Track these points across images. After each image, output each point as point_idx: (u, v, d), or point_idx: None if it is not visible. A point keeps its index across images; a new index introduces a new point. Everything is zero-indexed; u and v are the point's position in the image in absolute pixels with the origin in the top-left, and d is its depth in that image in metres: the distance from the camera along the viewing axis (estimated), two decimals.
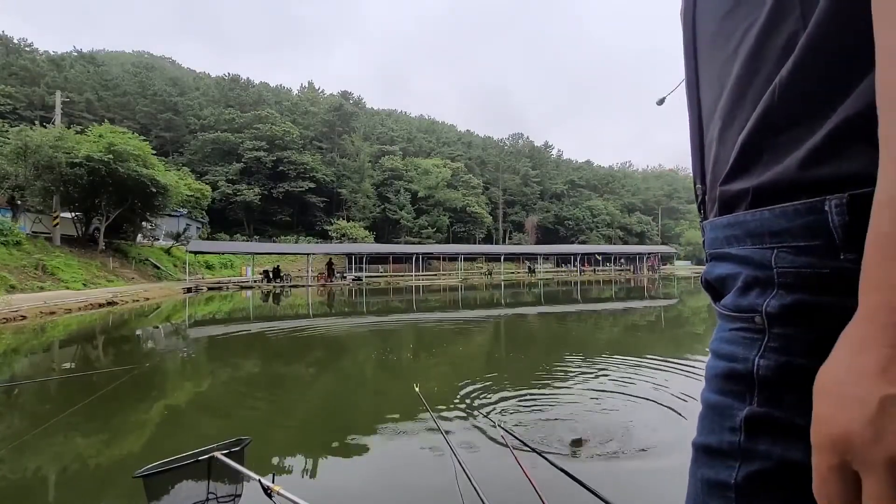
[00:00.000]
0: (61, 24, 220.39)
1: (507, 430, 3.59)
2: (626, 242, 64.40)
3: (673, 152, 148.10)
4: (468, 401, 4.60)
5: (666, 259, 54.99)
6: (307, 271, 31.82)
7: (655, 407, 4.45)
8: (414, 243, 47.70)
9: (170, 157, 46.35)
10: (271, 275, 28.66)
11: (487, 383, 5.32)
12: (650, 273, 45.47)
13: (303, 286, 27.57)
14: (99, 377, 5.84)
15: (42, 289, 14.99)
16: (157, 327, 11.37)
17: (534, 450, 3.08)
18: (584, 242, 60.20)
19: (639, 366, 6.31)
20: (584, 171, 78.84)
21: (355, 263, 37.95)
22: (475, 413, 4.21)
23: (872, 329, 0.30)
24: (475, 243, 55.21)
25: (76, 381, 5.75)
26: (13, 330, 9.85)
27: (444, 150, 69.10)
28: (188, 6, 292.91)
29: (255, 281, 28.35)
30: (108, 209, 22.68)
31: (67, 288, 15.99)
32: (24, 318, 11.01)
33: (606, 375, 5.75)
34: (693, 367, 6.18)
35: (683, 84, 0.60)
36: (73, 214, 23.03)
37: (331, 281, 30.59)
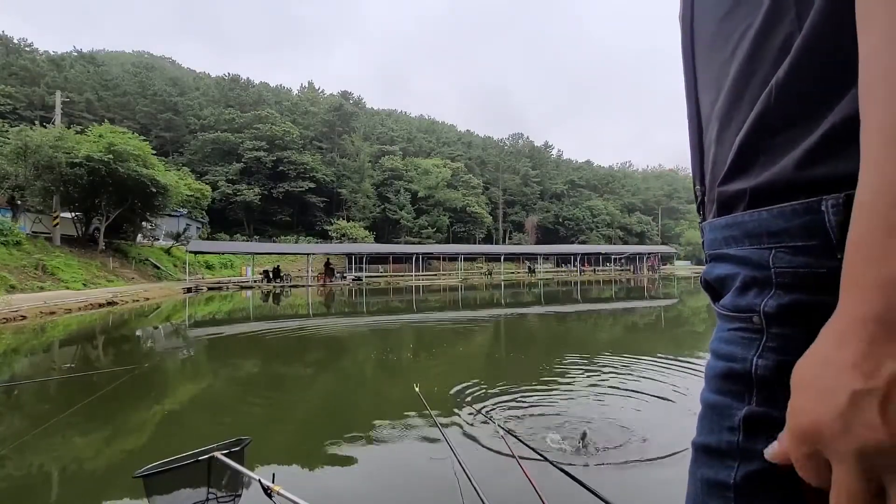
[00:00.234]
0: (61, 24, 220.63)
1: (507, 430, 3.59)
2: (626, 242, 64.38)
3: (673, 152, 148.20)
4: (468, 401, 4.60)
5: (666, 259, 54.99)
6: (307, 271, 31.83)
7: (656, 406, 4.45)
8: (414, 243, 47.70)
9: (170, 157, 46.34)
10: (271, 275, 28.66)
11: (488, 383, 5.32)
12: (650, 273, 45.46)
13: (303, 286, 27.57)
14: (99, 377, 5.84)
15: (42, 289, 14.99)
16: (157, 327, 11.37)
17: (534, 450, 3.08)
18: (584, 242, 60.19)
19: (639, 365, 6.31)
20: (584, 171, 78.84)
21: (355, 263, 37.95)
22: (475, 413, 4.21)
23: (849, 325, 0.30)
24: (475, 243, 55.21)
25: (76, 381, 5.75)
26: (13, 330, 9.85)
27: (444, 150, 69.10)
28: (188, 6, 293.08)
29: (255, 281, 28.35)
30: (108, 209, 22.68)
31: (67, 288, 15.99)
32: (24, 318, 11.01)
33: (607, 375, 5.75)
34: (694, 366, 6.18)
35: (681, 86, 0.60)
36: (73, 214, 23.04)
37: (330, 281, 30.59)
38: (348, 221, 47.67)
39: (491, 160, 69.30)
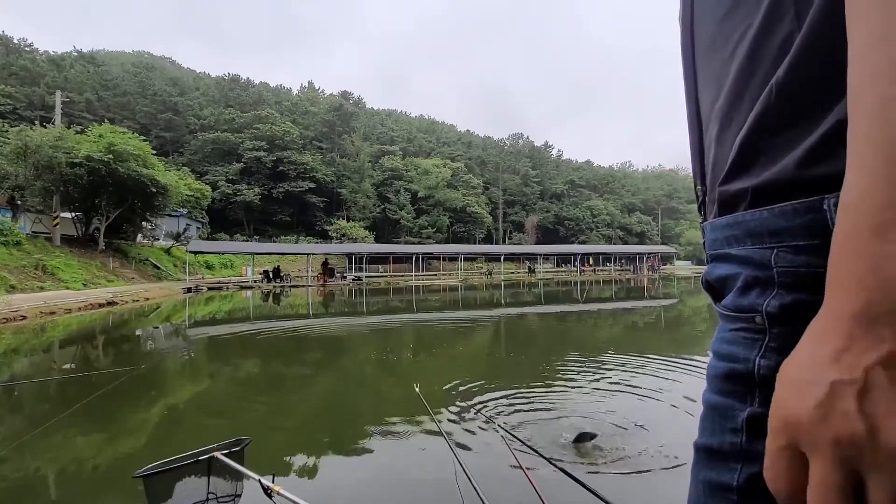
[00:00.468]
0: (61, 24, 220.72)
1: (507, 430, 3.59)
2: (626, 242, 64.41)
3: (673, 152, 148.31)
4: (468, 401, 4.60)
5: (666, 259, 55.00)
6: (307, 271, 31.83)
7: (656, 406, 4.45)
8: (414, 243, 47.71)
9: (170, 157, 46.35)
10: (271, 275, 28.66)
11: (488, 383, 5.32)
12: (650, 273, 45.47)
13: (303, 286, 27.57)
14: (99, 378, 5.84)
15: (42, 289, 14.99)
16: (157, 327, 11.37)
17: (533, 449, 3.08)
18: (584, 242, 60.21)
19: (639, 364, 6.31)
20: (584, 171, 78.85)
21: (355, 263, 37.96)
22: (475, 413, 4.21)
23: (832, 321, 0.31)
24: (475, 243, 55.22)
25: (76, 381, 5.75)
26: (13, 330, 9.85)
27: (444, 150, 69.11)
28: (188, 6, 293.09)
29: (255, 281, 28.36)
30: (108, 209, 22.68)
31: (67, 288, 15.99)
32: (24, 318, 11.01)
33: (607, 374, 5.75)
34: (695, 364, 6.18)
35: (681, 86, 0.60)
36: (73, 214, 23.04)
37: (328, 280, 30.59)
38: (348, 221, 47.68)
39: (491, 160, 69.30)
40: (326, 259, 33.21)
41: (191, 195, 29.82)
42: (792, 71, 0.40)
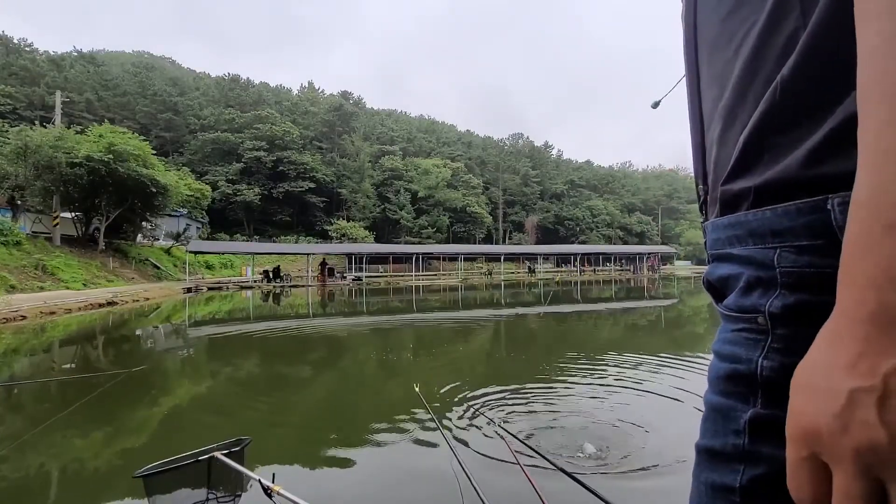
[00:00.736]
0: (61, 24, 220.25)
1: (506, 431, 3.59)
2: (626, 242, 64.43)
3: (673, 152, 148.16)
4: (468, 401, 4.60)
5: (666, 259, 55.01)
6: (307, 271, 31.84)
7: (657, 405, 4.45)
8: (414, 243, 47.73)
9: (170, 157, 46.35)
10: (271, 275, 28.66)
11: (488, 383, 5.32)
12: (650, 273, 45.48)
13: (303, 286, 27.57)
14: (99, 378, 5.83)
15: (42, 289, 15.00)
16: (157, 327, 11.38)
17: (534, 450, 3.08)
18: (584, 242, 60.22)
19: (639, 364, 6.31)
20: (584, 171, 78.86)
21: (355, 263, 37.95)
22: (475, 413, 4.21)
23: (846, 324, 0.30)
24: (475, 243, 55.24)
25: (75, 382, 5.75)
26: (13, 330, 9.85)
27: (444, 150, 69.13)
28: (188, 6, 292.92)
29: (255, 281, 28.36)
30: (108, 209, 22.68)
31: (67, 288, 15.99)
32: (24, 318, 11.01)
33: (608, 374, 5.75)
34: (695, 364, 6.18)
35: (681, 85, 0.60)
36: (73, 214, 23.04)
37: (329, 280, 30.59)
38: (348, 221, 47.71)
39: (491, 160, 69.32)
40: (324, 259, 33.22)
41: (191, 195, 29.82)
42: (798, 69, 0.39)
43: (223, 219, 46.31)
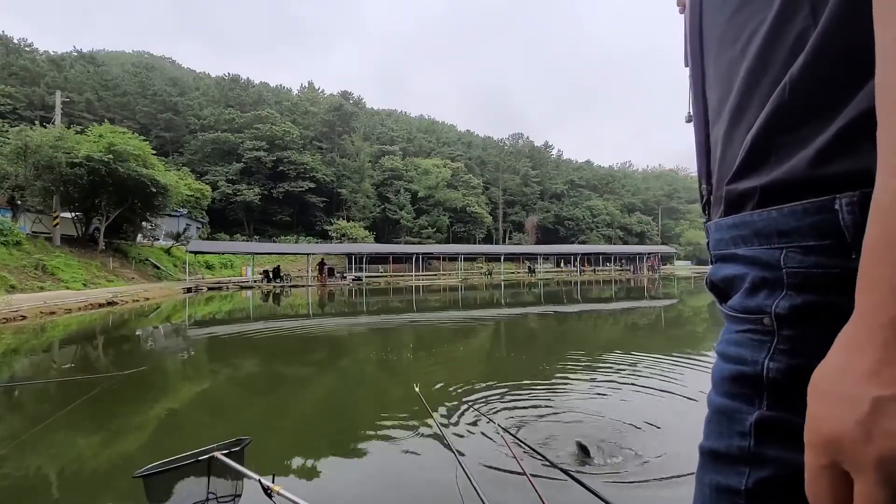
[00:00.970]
0: (61, 24, 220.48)
1: (506, 431, 3.59)
2: (626, 242, 64.41)
3: (673, 152, 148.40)
4: (469, 401, 4.59)
5: (666, 259, 54.98)
6: (307, 271, 31.83)
7: (658, 405, 4.45)
8: (414, 243, 47.72)
9: (170, 157, 46.35)
10: (271, 275, 28.66)
11: (488, 383, 5.31)
12: (650, 273, 45.46)
13: (303, 286, 27.57)
14: (99, 379, 5.83)
15: (42, 289, 14.99)
16: (157, 327, 11.37)
17: (534, 450, 3.08)
18: (584, 242, 60.22)
19: (640, 362, 6.30)
20: (584, 171, 78.85)
21: (355, 263, 37.94)
22: (475, 413, 4.21)
23: (867, 330, 0.30)
24: (475, 243, 55.22)
25: (75, 382, 5.75)
26: (13, 330, 9.85)
27: (444, 150, 69.12)
28: (188, 6, 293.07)
29: (255, 281, 28.35)
30: (108, 209, 22.68)
31: (67, 288, 15.99)
32: (24, 318, 11.01)
33: (608, 374, 5.75)
34: (695, 363, 6.18)
35: (684, 85, 0.60)
36: (73, 214, 23.03)
37: (328, 280, 30.58)
38: (348, 221, 47.70)
39: (491, 160, 69.31)
40: (322, 259, 33.22)
41: (191, 195, 29.82)
42: (807, 67, 0.39)
43: (223, 219, 46.31)
